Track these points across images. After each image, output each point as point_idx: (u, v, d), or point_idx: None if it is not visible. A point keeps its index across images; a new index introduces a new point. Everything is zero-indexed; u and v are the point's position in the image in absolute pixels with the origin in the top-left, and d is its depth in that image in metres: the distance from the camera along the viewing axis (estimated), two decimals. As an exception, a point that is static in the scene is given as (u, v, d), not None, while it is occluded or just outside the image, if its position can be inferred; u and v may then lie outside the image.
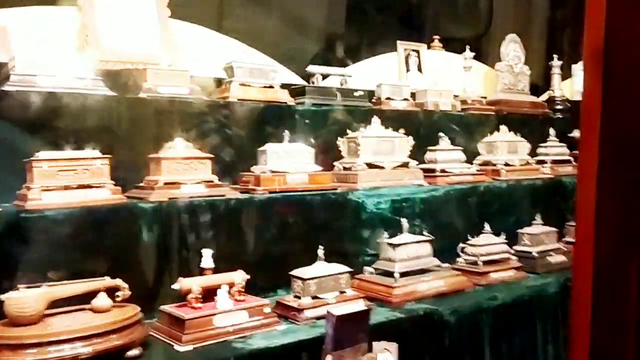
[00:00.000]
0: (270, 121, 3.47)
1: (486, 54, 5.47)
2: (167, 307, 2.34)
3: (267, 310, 2.43)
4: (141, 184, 2.83)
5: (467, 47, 4.89)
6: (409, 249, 3.00)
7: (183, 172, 2.82)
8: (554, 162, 4.67)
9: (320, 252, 2.71)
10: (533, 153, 4.75)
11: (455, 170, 3.94)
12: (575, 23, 5.74)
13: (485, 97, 5.10)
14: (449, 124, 4.50)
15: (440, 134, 4.04)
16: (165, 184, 2.74)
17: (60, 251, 2.32)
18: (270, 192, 3.03)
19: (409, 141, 3.71)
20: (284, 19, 4.47)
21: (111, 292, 2.20)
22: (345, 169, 3.53)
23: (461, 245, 3.35)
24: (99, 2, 3.42)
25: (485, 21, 5.61)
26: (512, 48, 5.19)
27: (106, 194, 2.54)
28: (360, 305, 2.19)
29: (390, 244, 2.98)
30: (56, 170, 2.45)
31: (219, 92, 3.50)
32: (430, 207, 3.61)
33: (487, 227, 3.39)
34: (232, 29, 4.02)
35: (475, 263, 3.25)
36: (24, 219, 2.29)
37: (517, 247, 3.63)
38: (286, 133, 3.24)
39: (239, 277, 2.47)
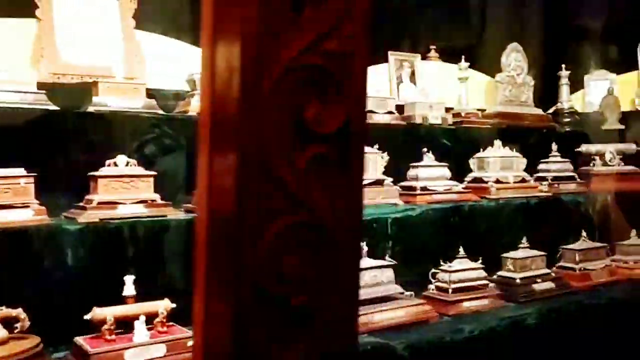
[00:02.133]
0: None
1: (490, 65, 5.18)
2: (80, 339, 2.17)
3: (191, 343, 2.23)
4: (80, 204, 2.68)
5: (463, 57, 4.64)
6: (367, 275, 2.76)
7: (122, 192, 2.67)
8: (555, 179, 4.35)
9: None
10: (535, 170, 4.46)
11: (438, 188, 3.68)
12: (582, 32, 5.41)
13: (484, 110, 4.83)
14: (439, 139, 4.26)
15: (424, 149, 3.78)
16: (100, 203, 2.59)
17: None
18: (219, 213, 2.84)
19: (384, 157, 3.47)
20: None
21: (14, 322, 2.04)
22: (312, 187, 3.32)
23: (432, 270, 3.09)
24: (59, 13, 3.32)
25: (483, 30, 5.33)
26: (513, 58, 4.91)
27: (29, 215, 2.40)
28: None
29: (345, 270, 2.75)
30: (-27, 190, 2.32)
31: (182, 106, 3.35)
32: (405, 229, 3.36)
33: (461, 250, 3.12)
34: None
35: (446, 290, 2.98)
36: None
37: (500, 273, 3.34)
38: (243, 149, 3.05)
39: (163, 306, 2.28)
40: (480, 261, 3.12)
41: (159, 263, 2.58)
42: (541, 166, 4.47)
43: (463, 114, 4.45)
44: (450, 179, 3.81)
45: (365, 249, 2.83)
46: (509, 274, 3.29)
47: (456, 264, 3.06)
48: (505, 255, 3.37)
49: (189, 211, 2.92)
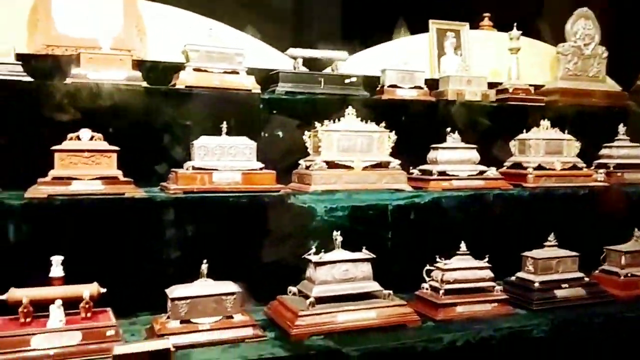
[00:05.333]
0: (227, 112, 3.05)
1: (557, 34, 4.52)
2: (-1, 320, 2.07)
3: (111, 333, 2.06)
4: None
5: (515, 24, 4.07)
6: (337, 269, 2.44)
7: (81, 167, 2.54)
8: (619, 166, 3.72)
9: (204, 267, 2.28)
10: (597, 155, 3.85)
11: (461, 174, 3.24)
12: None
13: (542, 86, 4.24)
14: (476, 117, 3.77)
15: (447, 129, 3.34)
16: (55, 178, 2.48)
17: None
18: (186, 192, 2.64)
19: (391, 137, 3.09)
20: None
21: None
22: (307, 168, 3.03)
23: (427, 267, 2.70)
24: (57, -16, 3.25)
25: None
26: (581, 25, 4.25)
27: (-26, 188, 2.34)
28: (159, 344, 1.73)
29: (310, 262, 2.45)
30: None
31: (174, 78, 3.17)
32: (409, 218, 2.98)
33: (463, 246, 2.69)
34: (218, 11, 3.67)
35: (437, 291, 2.59)
36: None
37: (518, 274, 2.87)
38: (224, 125, 2.82)
39: (89, 290, 2.12)
40: (487, 259, 2.68)
41: (102, 244, 2.42)
42: (603, 151, 3.85)
43: (511, 90, 3.91)
44: (481, 163, 3.34)
45: (339, 239, 2.50)
46: (527, 275, 2.82)
47: (454, 262, 2.65)
48: (525, 254, 2.88)
49: (163, 189, 2.76)
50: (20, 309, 2.03)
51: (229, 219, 2.66)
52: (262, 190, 2.77)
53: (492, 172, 3.33)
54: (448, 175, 3.21)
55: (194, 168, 2.71)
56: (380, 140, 3.07)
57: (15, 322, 2.03)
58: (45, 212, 2.37)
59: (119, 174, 2.58)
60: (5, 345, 1.93)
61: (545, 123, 3.55)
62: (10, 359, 1.91)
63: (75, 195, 2.45)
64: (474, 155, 3.33)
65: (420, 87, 3.67)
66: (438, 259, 2.66)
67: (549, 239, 2.90)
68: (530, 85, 4.04)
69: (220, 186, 2.71)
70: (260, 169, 2.82)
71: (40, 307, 2.08)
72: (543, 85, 4.25)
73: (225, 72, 3.18)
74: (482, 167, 3.32)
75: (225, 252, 2.61)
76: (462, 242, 2.70)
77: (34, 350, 1.95)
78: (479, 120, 3.75)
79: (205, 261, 2.28)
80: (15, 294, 2.04)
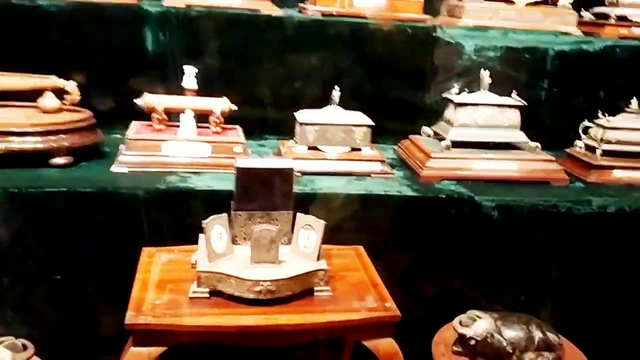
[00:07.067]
0: None
1: None
2: (134, 123, 2.11)
3: (238, 149, 2.03)
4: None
5: None
6: (479, 113, 2.19)
7: (220, -22, 2.41)
8: None
9: (336, 93, 2.13)
10: None
11: (645, 20, 2.72)
12: None
13: None
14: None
15: (639, -37, 2.76)
16: (193, -12, 2.39)
17: (42, 46, 2.21)
18: (324, 15, 2.45)
19: (566, -33, 2.61)
20: None
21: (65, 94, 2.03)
22: (460, -1, 2.68)
23: (584, 124, 2.35)
24: None
25: None
26: None
27: (116, -7, 2.31)
28: (283, 163, 1.63)
29: (450, 101, 2.22)
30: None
31: None
32: (572, 66, 2.58)
33: (634, 103, 2.30)
34: None
35: (593, 150, 2.27)
36: (19, 7, 2.20)
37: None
38: (371, -59, 2.51)
39: (220, 105, 2.08)
40: (661, 121, 2.28)
41: (241, 61, 2.34)
42: None
43: None
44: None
45: (487, 79, 2.21)
46: None
47: (619, 120, 2.28)
48: None
49: (301, 11, 2.59)
50: (155, 115, 2.04)
51: (367, 47, 2.45)
52: (406, 19, 2.50)
53: (686, 22, 2.75)
54: (629, 20, 2.70)
55: (334, -12, 2.48)
56: (551, -28, 2.61)
57: (149, 127, 2.07)
58: (182, 21, 2.30)
59: (255, -12, 2.43)
60: (138, 148, 1.97)
61: None
62: (142, 162, 1.96)
63: (213, 7, 2.35)
64: (667, -1, 2.76)
65: None
66: (600, 115, 2.31)
67: None
68: None
69: (361, 11, 2.47)
70: (407, -5, 2.53)
71: (173, 116, 2.09)
72: None
73: None
74: (675, 15, 2.75)
75: (358, 83, 2.45)
76: (634, 98, 2.30)
77: (165, 156, 1.98)
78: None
79: (336, 87, 2.13)
80: (149, 99, 2.05)
